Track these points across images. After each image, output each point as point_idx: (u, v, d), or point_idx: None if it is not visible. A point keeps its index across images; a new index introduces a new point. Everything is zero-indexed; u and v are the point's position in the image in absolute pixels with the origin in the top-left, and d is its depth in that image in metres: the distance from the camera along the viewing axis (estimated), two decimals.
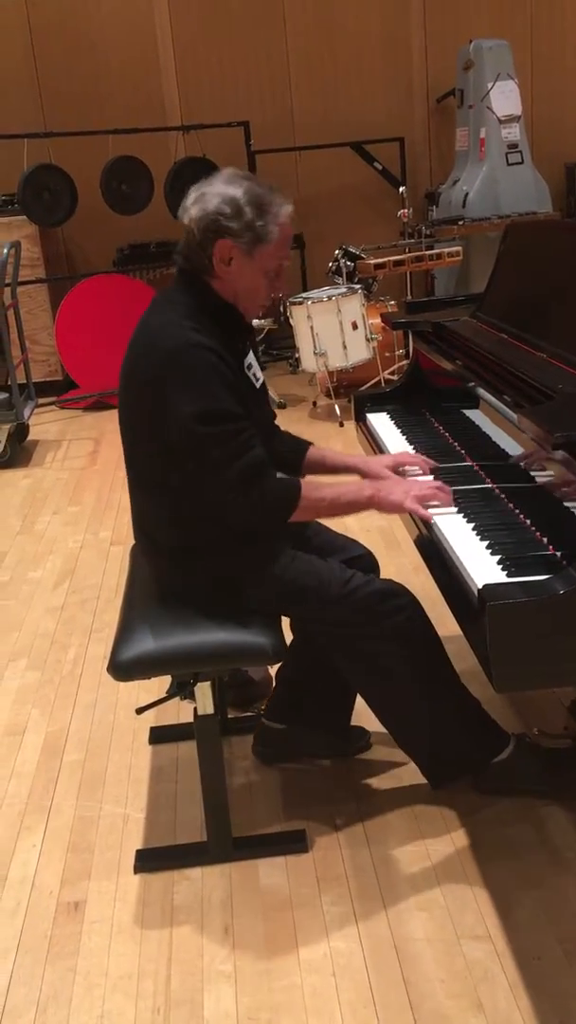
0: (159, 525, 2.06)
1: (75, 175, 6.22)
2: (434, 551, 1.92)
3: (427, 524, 1.98)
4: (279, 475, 2.01)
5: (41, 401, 6.37)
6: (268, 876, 2.07)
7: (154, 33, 6.98)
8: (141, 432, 1.98)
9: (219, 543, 2.02)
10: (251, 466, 1.91)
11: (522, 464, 1.95)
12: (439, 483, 2.04)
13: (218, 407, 1.87)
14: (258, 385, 2.12)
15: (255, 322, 6.30)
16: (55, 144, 6.29)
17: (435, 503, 1.99)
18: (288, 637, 2.08)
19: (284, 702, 2.39)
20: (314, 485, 2.01)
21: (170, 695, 2.29)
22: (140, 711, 2.18)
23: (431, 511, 1.97)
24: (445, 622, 2.06)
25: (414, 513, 2.00)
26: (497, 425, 2.12)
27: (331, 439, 5.24)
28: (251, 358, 2.11)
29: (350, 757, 2.42)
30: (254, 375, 2.11)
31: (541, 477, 1.86)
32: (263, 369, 2.24)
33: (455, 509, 1.97)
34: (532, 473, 1.90)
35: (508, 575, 1.66)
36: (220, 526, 2.00)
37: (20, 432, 5.59)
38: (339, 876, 2.05)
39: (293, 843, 2.14)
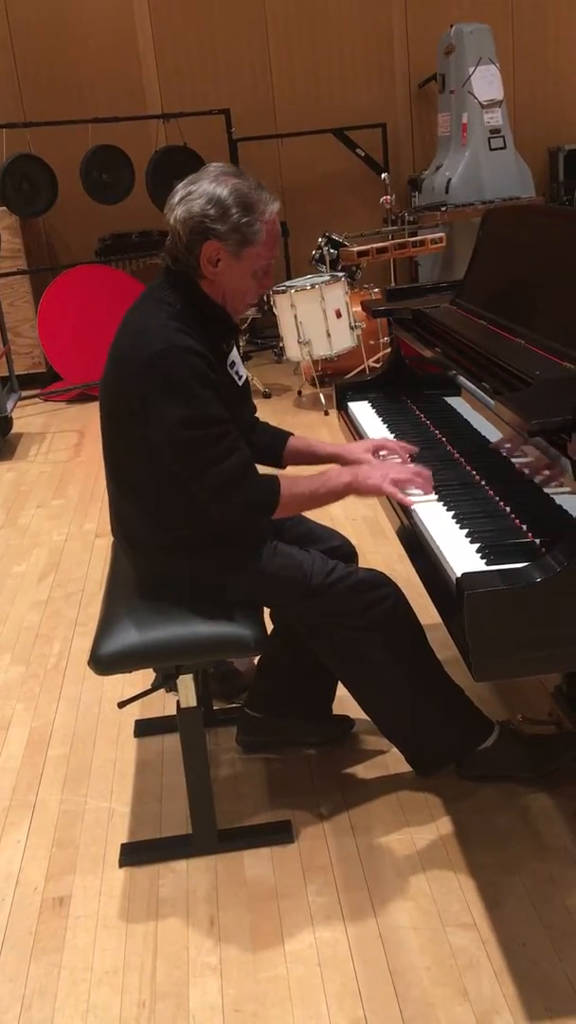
0: (138, 525, 2.05)
1: (55, 165, 6.17)
2: (414, 540, 1.92)
3: (407, 513, 1.97)
4: (260, 471, 2.00)
5: (24, 394, 6.34)
6: (253, 867, 2.07)
7: (133, 20, 6.92)
8: (123, 433, 1.96)
9: (198, 542, 2.01)
10: (233, 469, 1.90)
11: (502, 451, 1.94)
12: (418, 467, 2.04)
13: (202, 411, 1.86)
14: (240, 383, 2.11)
15: None
16: (34, 134, 6.24)
17: (414, 488, 1.99)
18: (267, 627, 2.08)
19: (264, 691, 2.39)
20: (293, 480, 2.00)
21: (153, 688, 2.28)
22: (122, 705, 2.17)
23: (410, 497, 1.96)
24: (430, 610, 2.06)
25: (392, 497, 1.99)
26: (477, 412, 2.11)
27: (316, 428, 5.23)
28: (234, 355, 2.10)
29: (334, 745, 2.42)
30: (236, 373, 2.09)
31: (520, 463, 1.85)
32: (247, 359, 2.24)
33: (435, 496, 1.97)
34: (512, 460, 1.89)
35: (487, 563, 1.65)
36: (199, 526, 1.99)
37: (3, 425, 5.56)
38: (324, 866, 2.05)
39: (278, 834, 2.14)
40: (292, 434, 2.28)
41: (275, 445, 2.24)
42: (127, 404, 1.90)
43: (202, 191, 1.87)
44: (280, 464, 2.26)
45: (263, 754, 2.42)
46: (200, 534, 2.01)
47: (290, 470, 2.20)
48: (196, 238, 1.88)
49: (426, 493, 1.99)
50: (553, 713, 2.28)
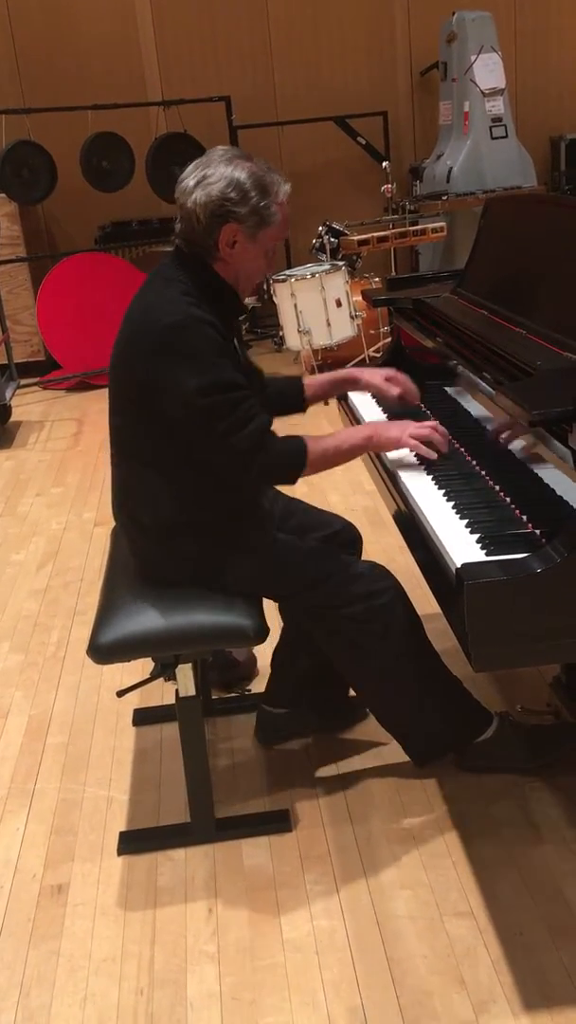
0: (145, 502, 2.04)
1: (54, 151, 6.14)
2: (414, 530, 1.92)
3: (405, 499, 1.97)
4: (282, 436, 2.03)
5: (23, 382, 6.33)
6: (251, 856, 2.07)
7: (133, 6, 6.88)
8: (136, 407, 1.96)
9: (204, 521, 2.02)
10: (257, 433, 1.92)
11: (501, 439, 1.94)
12: (435, 423, 2.07)
13: (219, 378, 1.88)
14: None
15: None
16: (34, 120, 6.21)
17: (433, 442, 2.04)
18: (275, 623, 2.07)
19: (283, 687, 2.39)
20: (315, 439, 2.02)
21: (152, 677, 2.28)
22: (121, 694, 2.17)
23: (411, 483, 1.97)
24: (429, 600, 2.06)
25: (413, 448, 2.03)
26: (478, 402, 2.11)
27: (316, 417, 5.21)
28: (236, 344, 2.10)
29: (347, 729, 2.44)
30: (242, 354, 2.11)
31: (515, 447, 1.85)
32: (248, 348, 2.25)
33: (435, 485, 1.96)
34: (510, 448, 1.89)
35: (487, 553, 1.65)
36: (206, 505, 1.99)
37: (2, 413, 5.55)
38: (322, 855, 2.05)
39: (276, 823, 2.14)
40: (301, 377, 2.35)
41: (291, 388, 2.30)
42: (140, 378, 1.91)
43: (220, 174, 1.89)
44: (302, 406, 2.32)
45: (281, 745, 2.43)
46: (205, 514, 2.01)
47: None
48: (216, 221, 1.90)
49: (442, 450, 2.03)
50: (552, 703, 2.29)
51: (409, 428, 2.04)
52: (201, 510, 2.01)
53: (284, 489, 2.34)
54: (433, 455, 2.01)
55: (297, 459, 1.98)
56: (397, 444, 2.05)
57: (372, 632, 2.05)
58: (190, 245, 1.96)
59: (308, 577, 2.02)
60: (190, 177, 1.91)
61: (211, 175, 1.89)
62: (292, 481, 2.01)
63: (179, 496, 2.00)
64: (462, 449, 2.15)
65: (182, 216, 1.94)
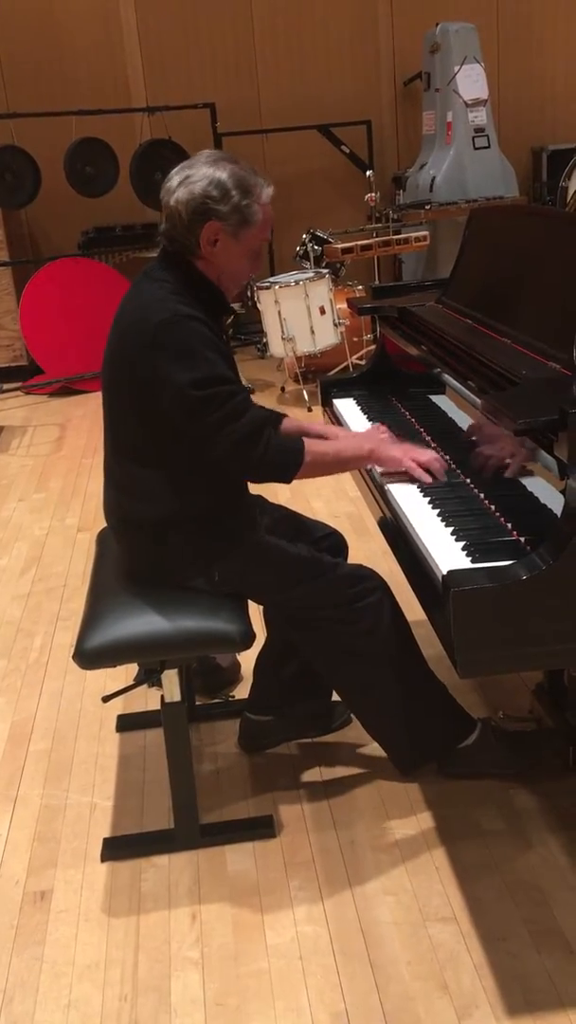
0: (140, 499, 2.04)
1: (38, 156, 6.13)
2: (399, 537, 1.93)
3: (391, 507, 1.98)
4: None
5: (6, 387, 6.30)
6: (235, 862, 2.07)
7: (118, 13, 6.88)
8: (131, 406, 1.97)
9: (197, 516, 2.02)
10: (251, 424, 1.93)
11: (474, 439, 1.96)
12: (435, 454, 2.09)
13: (211, 373, 1.90)
14: None
15: None
16: (17, 125, 6.19)
17: (431, 470, 2.04)
18: (259, 629, 2.08)
19: (267, 694, 2.39)
20: (315, 441, 2.04)
21: (137, 683, 2.28)
22: (106, 699, 2.17)
23: (402, 497, 1.98)
24: (412, 607, 2.07)
25: (411, 471, 2.04)
26: (462, 411, 2.12)
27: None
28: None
29: (331, 735, 2.45)
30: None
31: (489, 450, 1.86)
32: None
33: (420, 493, 1.98)
34: (483, 448, 1.90)
35: (473, 561, 1.66)
36: (202, 497, 2.01)
37: None
38: (306, 861, 2.06)
39: (260, 829, 2.14)
40: (286, 415, 2.33)
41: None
42: (134, 376, 1.93)
43: (202, 174, 1.93)
44: None
45: (266, 751, 2.43)
46: (199, 510, 2.02)
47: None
48: (198, 218, 1.93)
49: (440, 478, 2.04)
50: (534, 710, 2.30)
51: (411, 452, 2.07)
52: (195, 505, 2.02)
53: (268, 493, 2.35)
54: (429, 479, 2.02)
55: (294, 457, 1.99)
56: (398, 463, 2.07)
57: (359, 632, 2.07)
58: (174, 244, 1.99)
59: (296, 575, 2.03)
60: (175, 177, 1.96)
61: (194, 175, 1.94)
62: (287, 479, 2.02)
63: (174, 492, 2.01)
64: (446, 457, 2.16)
65: (167, 215, 1.97)
